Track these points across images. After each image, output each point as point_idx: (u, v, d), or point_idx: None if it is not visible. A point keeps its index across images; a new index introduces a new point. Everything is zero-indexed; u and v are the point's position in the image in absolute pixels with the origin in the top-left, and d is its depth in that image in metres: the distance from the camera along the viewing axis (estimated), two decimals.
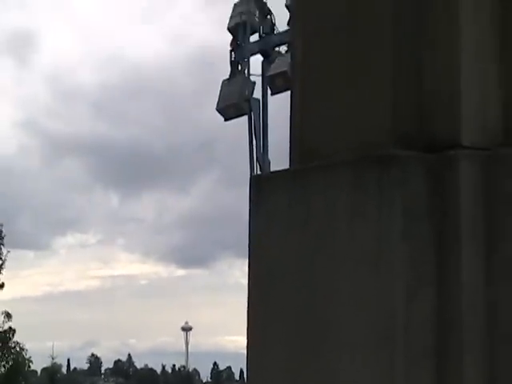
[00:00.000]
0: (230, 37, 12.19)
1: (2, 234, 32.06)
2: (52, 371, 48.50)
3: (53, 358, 46.59)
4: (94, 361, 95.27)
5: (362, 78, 2.13)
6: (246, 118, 10.07)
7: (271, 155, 9.61)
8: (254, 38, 12.92)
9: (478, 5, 2.11)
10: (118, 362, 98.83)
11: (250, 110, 9.84)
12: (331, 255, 2.02)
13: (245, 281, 2.12)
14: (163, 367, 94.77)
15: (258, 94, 13.30)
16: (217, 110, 10.05)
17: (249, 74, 10.32)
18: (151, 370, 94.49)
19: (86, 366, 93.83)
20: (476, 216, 1.91)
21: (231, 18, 11.53)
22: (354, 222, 1.97)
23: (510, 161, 1.94)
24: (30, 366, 35.04)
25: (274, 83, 9.79)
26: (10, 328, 31.89)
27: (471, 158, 1.94)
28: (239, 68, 10.34)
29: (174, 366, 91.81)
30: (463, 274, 1.92)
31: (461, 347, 1.93)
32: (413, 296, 1.92)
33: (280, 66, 10.09)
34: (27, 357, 33.07)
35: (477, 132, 1.98)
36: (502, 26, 2.11)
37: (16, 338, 32.32)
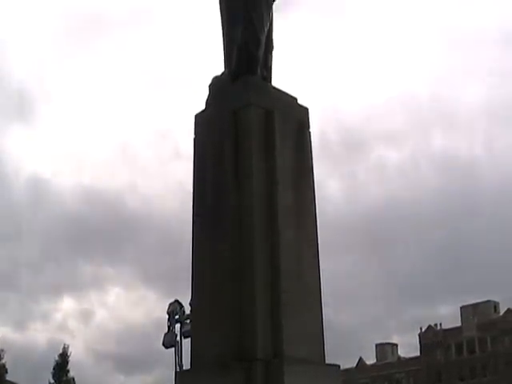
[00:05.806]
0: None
1: None
2: None
3: None
4: None
5: (220, 322, 4.40)
6: (173, 349, 18.62)
7: (184, 361, 17.51)
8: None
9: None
10: None
11: (175, 345, 18.53)
12: None
13: None
14: None
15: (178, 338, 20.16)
16: (162, 344, 18.91)
17: (175, 331, 18.69)
18: None
19: None
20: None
21: (169, 306, 19.18)
22: None
23: (273, 365, 4.13)
24: None
25: (185, 334, 17.93)
26: None
27: (261, 363, 4.08)
28: (171, 329, 19.02)
29: None
30: None
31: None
32: None
33: (188, 327, 17.07)
34: None
35: (264, 352, 4.16)
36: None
37: None
